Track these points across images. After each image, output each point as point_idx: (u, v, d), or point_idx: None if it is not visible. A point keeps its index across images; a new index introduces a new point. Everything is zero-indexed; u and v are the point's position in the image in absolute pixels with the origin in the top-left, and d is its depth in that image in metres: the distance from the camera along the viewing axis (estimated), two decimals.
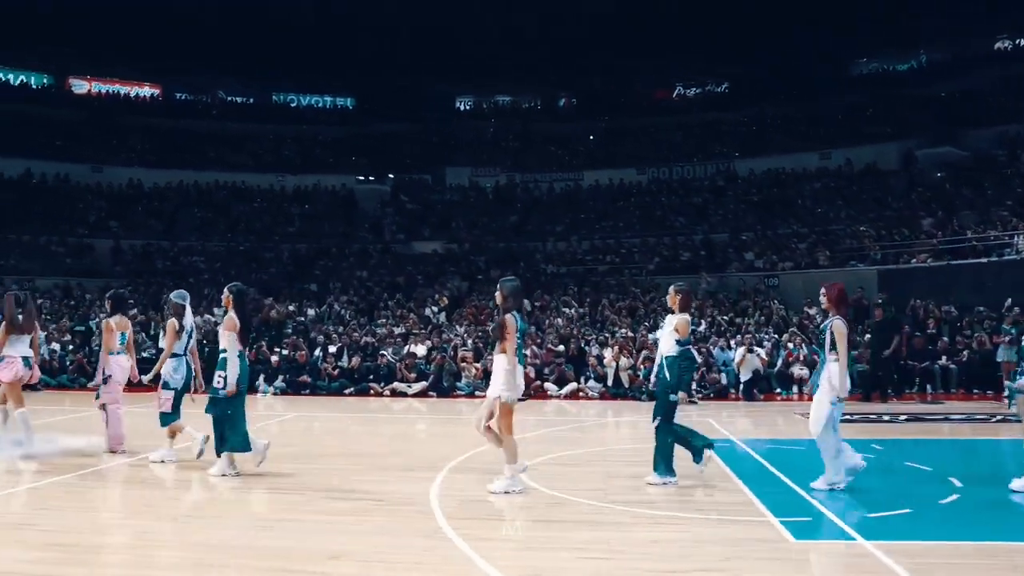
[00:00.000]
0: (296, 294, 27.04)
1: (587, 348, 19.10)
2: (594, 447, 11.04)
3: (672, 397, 7.95)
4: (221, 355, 8.22)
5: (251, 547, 5.76)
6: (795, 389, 18.03)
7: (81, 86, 46.09)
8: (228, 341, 8.10)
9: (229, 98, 47.54)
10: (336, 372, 18.37)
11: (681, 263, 28.62)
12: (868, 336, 19.31)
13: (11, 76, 44.92)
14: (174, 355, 9.14)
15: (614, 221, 34.26)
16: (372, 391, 18.15)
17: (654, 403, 8.28)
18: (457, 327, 22.67)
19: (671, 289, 8.24)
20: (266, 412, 15.32)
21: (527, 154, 42.13)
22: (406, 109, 45.58)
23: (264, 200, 38.72)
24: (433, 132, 44.60)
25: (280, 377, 18.59)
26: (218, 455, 8.30)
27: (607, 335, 20.14)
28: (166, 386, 9.09)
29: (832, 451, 7.58)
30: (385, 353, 18.92)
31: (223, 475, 8.14)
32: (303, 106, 47.89)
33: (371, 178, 40.84)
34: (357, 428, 13.80)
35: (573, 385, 17.95)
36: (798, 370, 18.12)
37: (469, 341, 20.50)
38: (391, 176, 41.05)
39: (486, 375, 18.19)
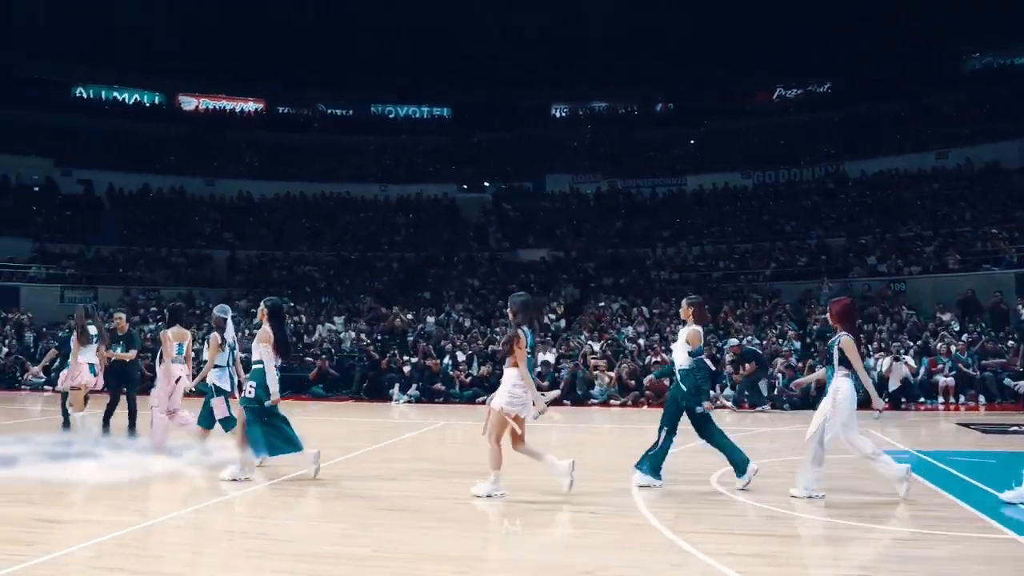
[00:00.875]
0: (412, 302, 27.37)
1: (720, 356, 18.80)
2: (768, 457, 10.79)
3: (698, 408, 8.01)
4: (254, 366, 8.39)
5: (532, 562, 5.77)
6: (940, 399, 17.39)
7: (189, 103, 47.69)
8: (262, 353, 8.25)
9: (329, 111, 48.58)
10: (468, 380, 18.48)
11: (798, 268, 28.03)
12: (1011, 342, 18.60)
13: (125, 95, 46.71)
14: (217, 366, 9.55)
15: (722, 226, 33.75)
16: None
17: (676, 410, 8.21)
18: (578, 334, 22.57)
19: (684, 302, 8.37)
20: (419, 420, 15.53)
21: (627, 160, 41.88)
22: (502, 117, 45.89)
23: (369, 210, 39.38)
24: (530, 140, 44.68)
25: (413, 386, 18.79)
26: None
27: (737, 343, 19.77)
28: (219, 392, 9.49)
29: (816, 460, 7.57)
30: None
31: (233, 479, 8.24)
32: (401, 117, 48.63)
33: (472, 187, 41.22)
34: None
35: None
36: (943, 379, 17.48)
37: (596, 347, 20.41)
38: (491, 184, 41.33)
39: (620, 383, 18.12)
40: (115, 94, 46.42)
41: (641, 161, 41.65)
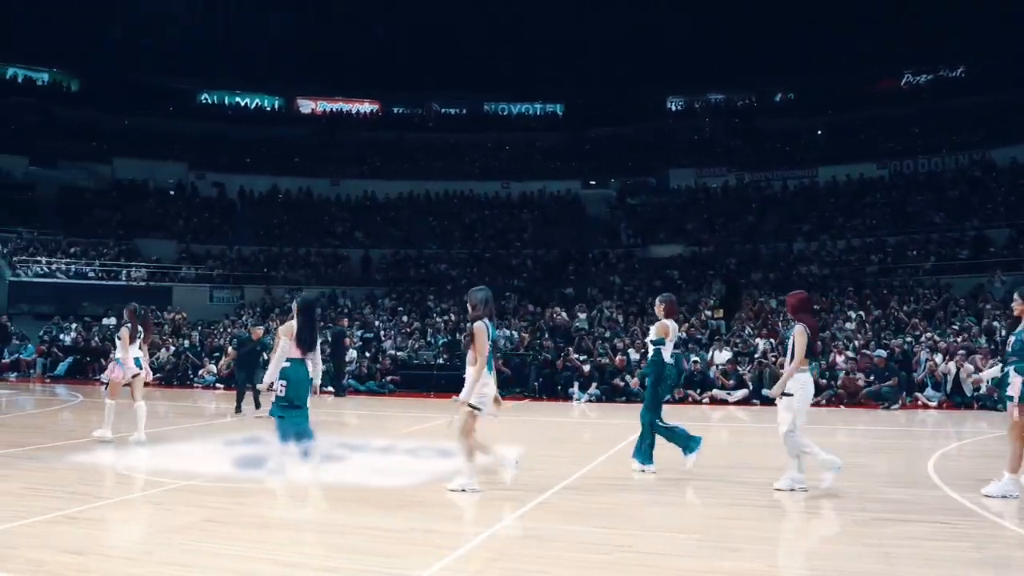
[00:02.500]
0: (556, 300, 27.14)
1: (913, 353, 18.02)
2: None
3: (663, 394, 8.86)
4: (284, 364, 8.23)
5: None
6: None
7: (307, 106, 48.62)
8: (281, 345, 8.08)
9: (443, 110, 48.83)
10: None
11: (961, 261, 26.82)
12: None
13: (247, 100, 47.85)
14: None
15: (863, 219, 32.61)
16: (690, 398, 17.80)
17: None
18: (741, 331, 22.00)
19: (657, 300, 9.13)
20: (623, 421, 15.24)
21: (752, 152, 40.91)
22: (616, 112, 45.44)
23: (493, 208, 39.38)
24: (648, 134, 44.03)
25: (593, 384, 18.51)
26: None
27: (935, 339, 18.91)
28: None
29: (795, 452, 7.66)
30: (698, 360, 18.53)
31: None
32: (514, 115, 48.61)
33: (594, 183, 40.83)
34: (735, 437, 13.39)
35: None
36: None
37: (762, 344, 19.81)
38: (615, 180, 40.88)
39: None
40: (237, 99, 47.65)
41: (768, 153, 40.61)
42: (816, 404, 16.94)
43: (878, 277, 26.98)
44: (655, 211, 37.65)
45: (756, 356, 18.71)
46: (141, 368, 11.02)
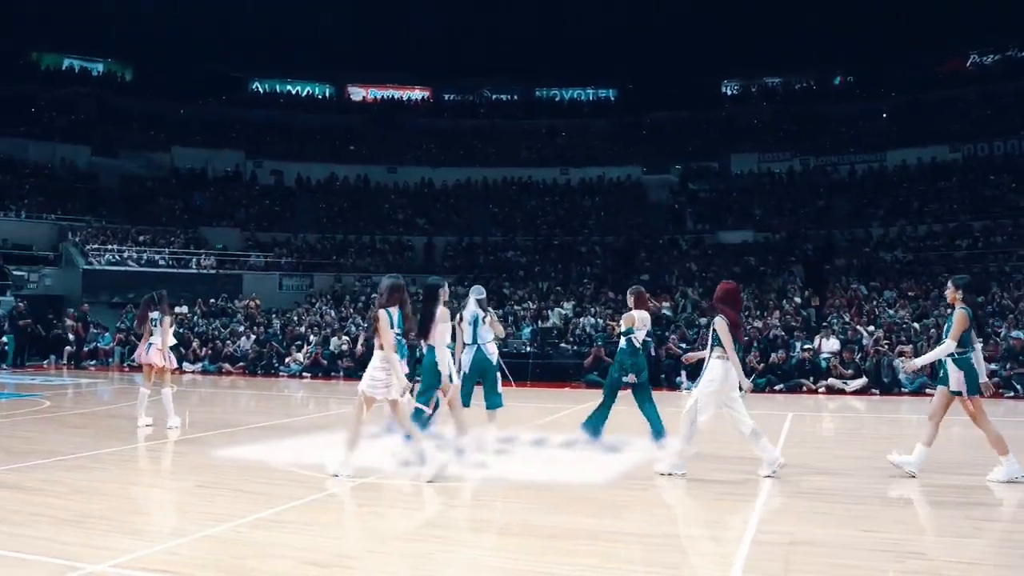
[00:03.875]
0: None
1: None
2: None
3: (624, 379, 9.23)
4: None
5: None
6: None
7: (358, 93, 48.37)
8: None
9: (494, 96, 48.36)
10: (761, 367, 17.54)
11: None
12: None
13: (298, 88, 47.68)
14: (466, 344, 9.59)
15: (940, 203, 31.78)
16: (804, 387, 17.24)
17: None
18: (836, 318, 21.37)
19: (628, 291, 9.63)
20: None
21: (815, 136, 40.00)
22: (670, 97, 44.72)
23: (554, 194, 38.88)
24: (705, 119, 43.30)
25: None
26: None
27: None
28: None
29: (687, 437, 7.71)
30: (810, 347, 17.95)
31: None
32: (566, 100, 48.11)
33: (654, 168, 40.12)
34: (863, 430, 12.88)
35: None
36: None
37: (865, 332, 19.19)
38: (676, 166, 40.20)
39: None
40: (288, 87, 47.50)
41: (832, 138, 39.71)
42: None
43: (969, 263, 26.16)
44: (719, 197, 36.94)
45: (865, 344, 18.11)
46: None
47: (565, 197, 38.48)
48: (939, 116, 38.18)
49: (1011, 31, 39.80)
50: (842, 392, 16.89)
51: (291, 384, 20.15)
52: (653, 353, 17.08)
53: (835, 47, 43.71)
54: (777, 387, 17.31)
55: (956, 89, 39.31)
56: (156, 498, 7.28)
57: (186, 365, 22.97)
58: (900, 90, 40.74)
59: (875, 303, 22.14)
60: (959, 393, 7.57)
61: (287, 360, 21.82)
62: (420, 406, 8.51)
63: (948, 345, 7.59)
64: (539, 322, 23.49)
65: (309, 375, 21.26)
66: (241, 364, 22.49)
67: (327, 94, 48.03)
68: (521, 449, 9.38)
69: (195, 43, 42.23)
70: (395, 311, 7.59)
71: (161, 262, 29.73)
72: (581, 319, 22.96)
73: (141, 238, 30.76)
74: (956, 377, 7.58)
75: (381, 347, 7.48)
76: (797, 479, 7.73)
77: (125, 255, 29.05)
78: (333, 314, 25.66)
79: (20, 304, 25.04)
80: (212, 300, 27.85)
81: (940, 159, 35.23)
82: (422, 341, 8.39)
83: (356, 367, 21.08)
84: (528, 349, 21.65)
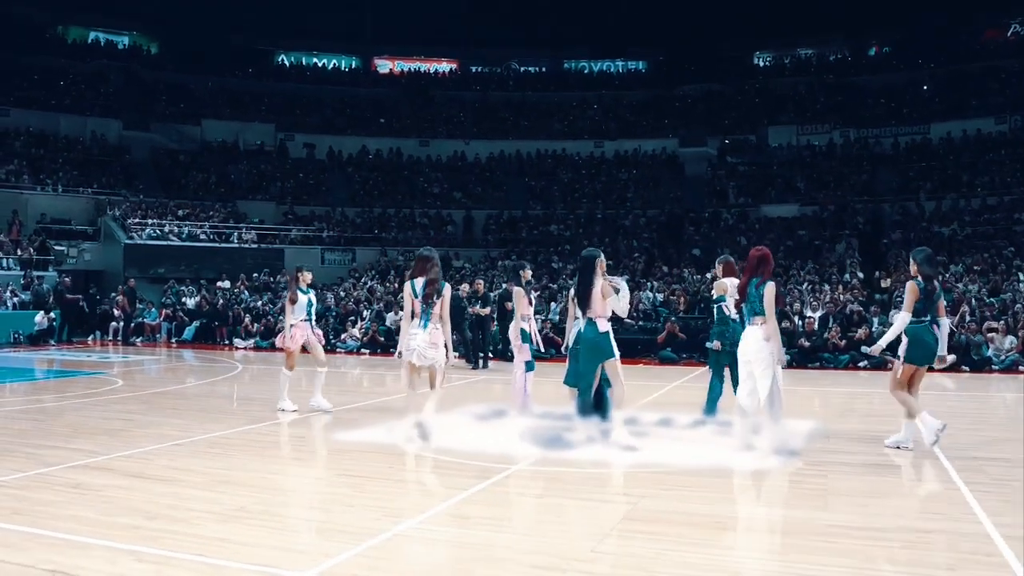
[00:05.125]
0: (688, 260, 26.18)
1: None
2: None
3: (709, 345, 9.29)
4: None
5: None
6: None
7: (384, 66, 47.81)
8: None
9: (522, 68, 47.70)
10: (843, 343, 17.10)
11: None
12: None
13: (325, 60, 47.11)
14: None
15: (990, 175, 31.14)
16: (889, 364, 16.79)
17: None
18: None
19: (717, 260, 9.78)
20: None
21: (853, 108, 39.26)
22: (702, 69, 44.06)
23: (589, 167, 38.31)
24: (738, 90, 42.56)
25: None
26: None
27: None
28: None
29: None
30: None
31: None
32: (595, 72, 47.41)
33: (689, 141, 39.45)
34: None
35: None
36: None
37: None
38: (712, 138, 39.52)
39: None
40: (314, 60, 46.90)
41: (872, 109, 38.97)
42: None
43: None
44: (759, 170, 36.32)
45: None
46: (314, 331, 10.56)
47: (601, 170, 37.90)
48: (981, 87, 37.40)
49: None
50: (930, 369, 16.37)
51: (349, 361, 19.71)
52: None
53: (868, 17, 42.85)
54: (861, 364, 16.86)
55: (998, 60, 38.50)
56: (309, 489, 6.76)
57: (238, 342, 22.67)
58: (939, 61, 39.92)
59: (944, 278, 21.60)
60: (899, 357, 7.89)
61: (343, 336, 21.40)
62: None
63: (903, 316, 7.76)
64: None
65: (368, 351, 20.87)
66: None
67: (353, 66, 47.41)
68: (655, 431, 8.88)
69: (219, 15, 41.59)
70: (419, 281, 8.07)
71: (202, 236, 29.33)
72: (641, 293, 22.49)
73: (180, 212, 30.31)
74: (903, 344, 7.81)
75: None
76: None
77: (166, 229, 28.62)
78: (381, 289, 25.22)
79: (66, 279, 24.72)
80: (255, 275, 27.46)
81: (985, 131, 34.51)
82: (582, 313, 7.94)
83: None
84: None
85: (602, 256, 8.12)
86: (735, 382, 8.98)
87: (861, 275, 22.87)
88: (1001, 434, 9.34)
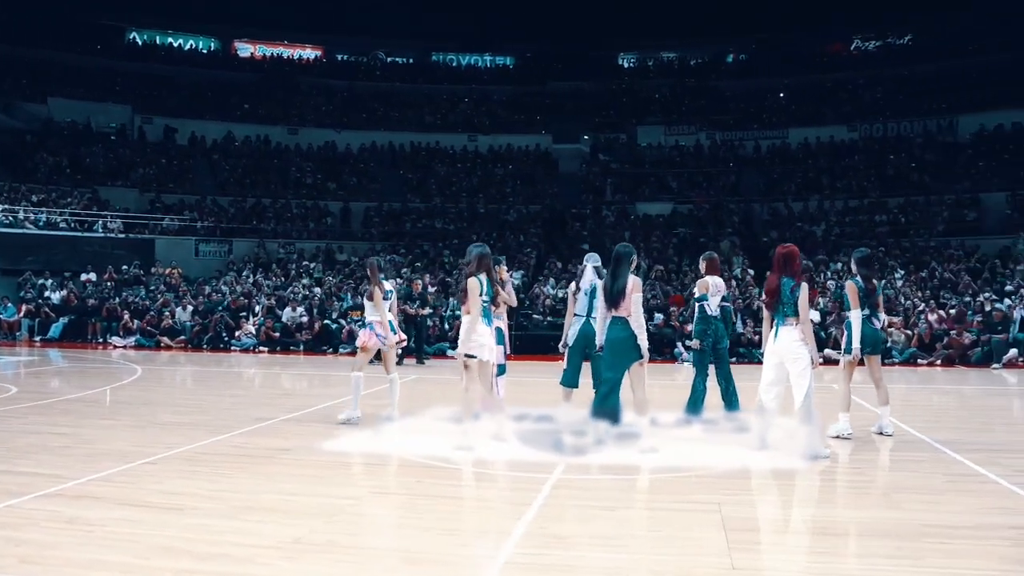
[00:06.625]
0: (580, 256, 26.32)
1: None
2: None
3: (688, 342, 9.77)
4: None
5: None
6: None
7: (245, 49, 45.98)
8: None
9: (389, 59, 46.90)
10: (758, 339, 17.62)
11: (967, 223, 27.55)
12: None
13: (180, 40, 44.72)
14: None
15: (847, 180, 33.12)
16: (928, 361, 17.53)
17: None
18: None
19: (701, 257, 9.68)
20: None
21: (717, 111, 40.82)
22: (569, 66, 44.73)
23: (464, 161, 38.04)
24: (605, 90, 43.42)
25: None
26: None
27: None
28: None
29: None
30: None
31: None
32: (463, 66, 47.19)
33: (561, 138, 39.79)
34: None
35: None
36: None
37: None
38: (585, 136, 40.09)
39: (921, 341, 17.49)
40: (169, 39, 44.40)
41: (734, 113, 40.65)
42: (931, 364, 17.08)
43: (900, 239, 27.31)
44: (632, 168, 37.17)
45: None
46: (395, 332, 9.61)
47: (477, 164, 37.73)
48: (832, 97, 39.78)
49: (889, 16, 41.91)
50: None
51: (245, 360, 18.67)
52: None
53: (724, 26, 44.65)
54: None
55: (845, 72, 41.07)
56: (351, 511, 5.89)
57: (116, 340, 21.05)
58: (790, 72, 42.02)
59: (827, 276, 22.79)
60: (849, 351, 8.39)
61: (237, 334, 20.24)
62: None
63: (856, 314, 8.31)
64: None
65: (266, 349, 19.85)
66: (182, 338, 20.72)
67: (212, 48, 45.15)
68: (665, 432, 8.52)
69: None
70: (484, 278, 7.88)
71: (63, 224, 26.99)
72: (542, 288, 22.49)
73: (34, 197, 27.82)
74: (844, 337, 8.60)
75: (467, 312, 7.83)
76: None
77: (20, 216, 26.17)
78: (267, 284, 24.08)
79: None
80: (124, 267, 25.58)
81: (839, 138, 36.65)
82: (611, 311, 7.69)
83: (316, 342, 19.98)
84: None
85: (635, 253, 7.98)
86: (721, 380, 9.07)
87: (752, 271, 23.71)
88: (976, 426, 9.82)
